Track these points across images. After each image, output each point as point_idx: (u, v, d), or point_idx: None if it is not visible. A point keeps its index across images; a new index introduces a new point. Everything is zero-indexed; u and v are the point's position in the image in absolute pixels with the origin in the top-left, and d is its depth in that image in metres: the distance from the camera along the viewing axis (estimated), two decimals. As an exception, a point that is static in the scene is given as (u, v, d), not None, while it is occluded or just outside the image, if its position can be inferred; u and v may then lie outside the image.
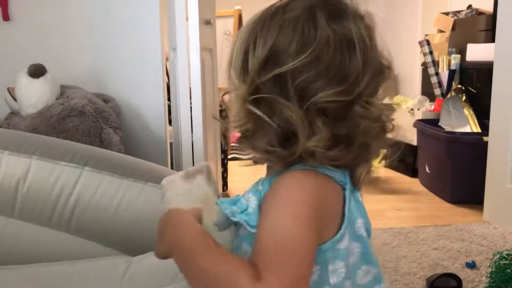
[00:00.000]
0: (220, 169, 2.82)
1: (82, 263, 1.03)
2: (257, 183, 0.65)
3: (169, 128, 2.27)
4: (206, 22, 2.22)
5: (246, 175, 3.34)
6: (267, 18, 0.62)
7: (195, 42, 2.05)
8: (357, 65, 0.59)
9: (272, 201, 0.59)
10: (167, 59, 2.33)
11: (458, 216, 2.52)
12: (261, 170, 0.65)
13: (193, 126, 2.09)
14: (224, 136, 2.49)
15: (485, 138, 2.50)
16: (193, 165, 2.11)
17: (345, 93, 0.58)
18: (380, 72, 0.62)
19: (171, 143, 2.27)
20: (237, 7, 3.97)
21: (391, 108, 0.64)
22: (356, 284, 0.65)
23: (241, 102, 0.61)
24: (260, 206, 0.61)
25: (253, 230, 0.59)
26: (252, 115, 0.60)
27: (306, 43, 0.58)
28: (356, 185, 0.65)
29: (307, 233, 0.56)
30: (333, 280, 0.61)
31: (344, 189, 0.63)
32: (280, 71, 0.59)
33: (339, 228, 0.61)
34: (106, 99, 2.01)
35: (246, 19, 4.04)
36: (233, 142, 4.60)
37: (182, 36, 2.04)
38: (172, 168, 2.23)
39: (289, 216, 0.56)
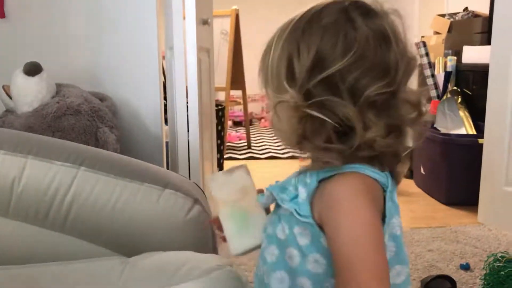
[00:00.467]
0: (216, 169, 2.82)
1: (78, 264, 1.02)
2: (304, 174, 0.68)
3: (165, 127, 2.27)
4: (203, 22, 2.21)
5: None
6: (305, 26, 0.65)
7: (192, 41, 2.04)
8: (395, 57, 0.64)
9: (334, 214, 0.62)
10: (163, 58, 2.33)
11: (453, 217, 2.53)
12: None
13: (189, 126, 2.09)
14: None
15: (480, 140, 2.51)
16: (189, 165, 2.12)
17: (389, 84, 0.63)
18: (409, 61, 0.67)
19: (167, 142, 2.26)
20: (234, 7, 3.97)
21: (424, 93, 0.70)
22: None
23: (294, 109, 0.64)
24: (309, 199, 0.65)
25: (302, 219, 0.65)
26: (305, 118, 0.64)
27: (349, 44, 0.63)
28: (398, 182, 0.70)
29: (378, 234, 0.61)
30: None
31: (384, 191, 0.66)
32: (329, 73, 0.63)
33: None
34: (102, 98, 2.00)
35: (243, 19, 4.03)
36: (229, 141, 4.59)
37: (179, 35, 2.04)
38: (167, 167, 2.23)
39: (359, 224, 0.60)
